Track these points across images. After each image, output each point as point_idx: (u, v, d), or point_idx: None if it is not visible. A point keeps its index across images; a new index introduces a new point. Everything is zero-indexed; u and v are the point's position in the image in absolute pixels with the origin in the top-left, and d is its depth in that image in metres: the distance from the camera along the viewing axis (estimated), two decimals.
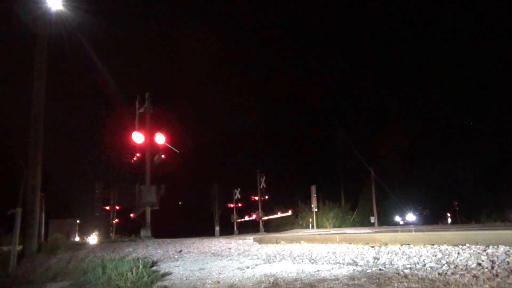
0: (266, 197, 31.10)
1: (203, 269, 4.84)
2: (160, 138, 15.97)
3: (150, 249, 8.33)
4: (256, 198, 30.94)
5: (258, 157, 47.92)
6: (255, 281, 3.73)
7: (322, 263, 4.57)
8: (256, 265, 4.80)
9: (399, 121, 42.08)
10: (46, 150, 10.32)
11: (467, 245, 4.38)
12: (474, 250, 4.04)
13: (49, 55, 10.36)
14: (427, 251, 4.33)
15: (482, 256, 3.73)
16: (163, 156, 15.92)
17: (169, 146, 15.85)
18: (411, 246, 4.94)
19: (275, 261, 5.07)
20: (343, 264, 4.39)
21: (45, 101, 10.01)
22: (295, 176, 44.65)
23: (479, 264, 3.49)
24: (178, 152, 16.29)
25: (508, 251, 3.78)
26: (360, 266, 4.13)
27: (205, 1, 69.12)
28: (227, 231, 31.32)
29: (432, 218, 41.21)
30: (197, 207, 43.98)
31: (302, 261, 4.85)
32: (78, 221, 44.47)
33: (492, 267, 3.36)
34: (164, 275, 4.59)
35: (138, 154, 15.77)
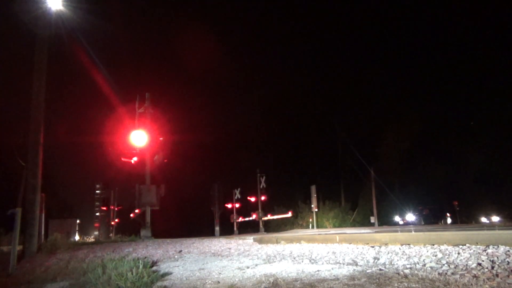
0: (266, 197, 31.06)
1: (203, 269, 4.84)
2: (160, 138, 15.98)
3: (150, 249, 8.33)
4: (256, 198, 30.91)
5: (258, 157, 47.90)
6: (255, 281, 3.73)
7: (322, 263, 4.57)
8: (256, 265, 4.80)
9: (399, 121, 42.12)
10: (47, 150, 10.33)
11: (467, 245, 4.37)
12: (474, 250, 4.03)
13: (49, 55, 10.36)
14: (427, 251, 4.33)
15: (482, 256, 3.73)
16: (163, 156, 15.94)
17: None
18: (411, 246, 4.94)
19: (275, 261, 5.06)
20: (343, 264, 4.38)
21: (45, 101, 10.01)
22: (295, 176, 44.67)
23: (479, 264, 3.49)
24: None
25: (508, 251, 3.78)
26: (360, 266, 4.13)
27: (206, 2, 69.13)
28: (227, 231, 31.28)
29: (432, 218, 41.23)
30: (197, 207, 43.96)
31: (302, 261, 4.85)
32: (78, 221, 44.46)
33: (492, 267, 3.35)
34: (164, 275, 4.59)
35: (135, 158, 15.77)
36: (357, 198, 38.43)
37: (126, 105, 17.25)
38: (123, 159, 16.21)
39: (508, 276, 3.05)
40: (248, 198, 32.37)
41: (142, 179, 15.68)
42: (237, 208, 32.99)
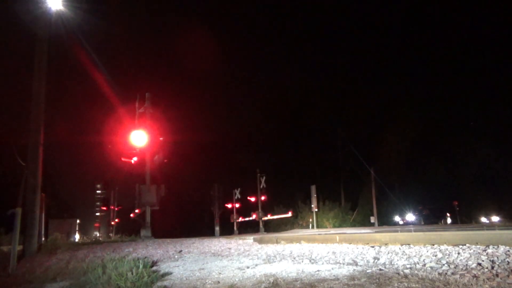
0: (266, 197, 31.06)
1: (203, 269, 4.84)
2: (159, 138, 15.99)
3: (150, 249, 8.33)
4: (256, 198, 30.91)
5: (258, 157, 47.85)
6: (255, 281, 3.73)
7: (322, 263, 4.57)
8: (256, 265, 4.80)
9: (399, 121, 42.08)
10: (47, 150, 10.33)
11: (467, 245, 4.38)
12: (474, 250, 4.04)
13: (49, 55, 10.36)
14: (427, 251, 4.33)
15: (482, 256, 3.73)
16: (163, 156, 15.95)
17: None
18: (411, 246, 4.94)
19: (275, 261, 5.07)
20: (343, 264, 4.38)
21: (45, 101, 10.01)
22: (295, 176, 44.66)
23: (479, 264, 3.49)
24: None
25: (508, 251, 3.78)
26: (360, 266, 4.13)
27: (206, 2, 69.18)
28: (227, 231, 31.28)
29: (432, 218, 41.20)
30: (197, 207, 43.94)
31: (302, 261, 4.85)
32: (78, 221, 44.44)
33: (492, 267, 3.35)
34: (164, 275, 4.59)
35: (135, 158, 15.79)
36: (357, 198, 38.43)
37: (126, 105, 17.28)
38: (123, 159, 16.24)
39: (508, 276, 3.05)
40: (248, 198, 32.37)
41: (142, 179, 15.69)
42: (237, 208, 32.98)
